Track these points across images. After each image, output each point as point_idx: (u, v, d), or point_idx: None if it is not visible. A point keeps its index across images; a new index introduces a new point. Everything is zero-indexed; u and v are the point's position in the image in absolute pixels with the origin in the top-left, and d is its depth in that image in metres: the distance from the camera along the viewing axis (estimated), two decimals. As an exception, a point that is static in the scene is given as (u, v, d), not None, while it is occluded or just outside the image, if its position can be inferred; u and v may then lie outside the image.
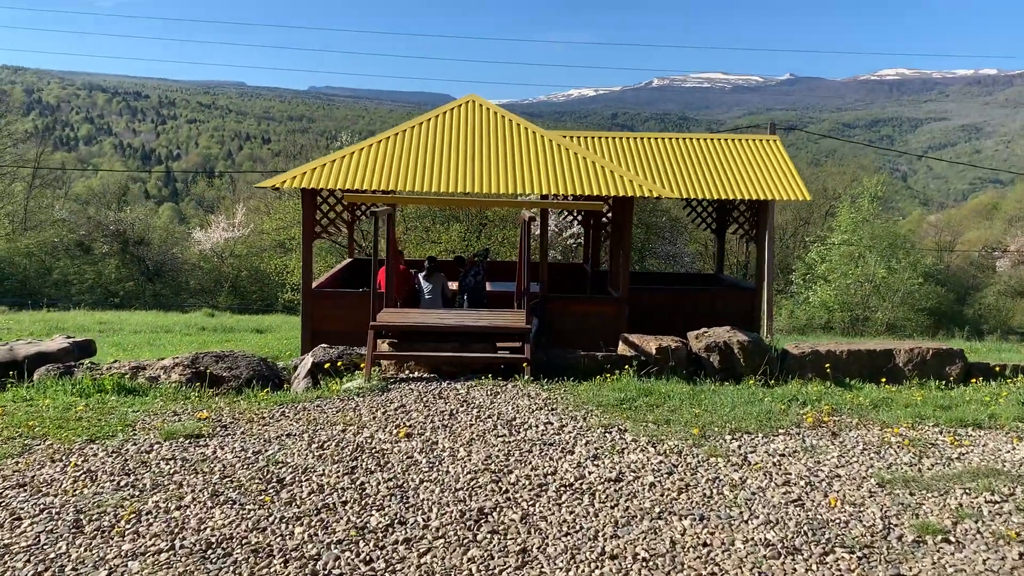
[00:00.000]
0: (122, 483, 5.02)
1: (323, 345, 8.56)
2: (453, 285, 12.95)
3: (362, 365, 7.94)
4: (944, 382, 8.10)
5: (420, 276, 12.50)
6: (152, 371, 7.84)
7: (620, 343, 8.82)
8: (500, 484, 4.92)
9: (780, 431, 6.12)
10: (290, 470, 5.20)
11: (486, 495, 4.75)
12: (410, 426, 6.17)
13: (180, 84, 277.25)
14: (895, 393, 7.50)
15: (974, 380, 8.17)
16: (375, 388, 7.38)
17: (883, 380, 8.11)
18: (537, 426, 6.19)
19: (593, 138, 14.63)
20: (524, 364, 7.87)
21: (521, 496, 4.74)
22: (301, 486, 4.93)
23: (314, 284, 12.52)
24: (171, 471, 5.23)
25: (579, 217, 16.69)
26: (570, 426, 6.18)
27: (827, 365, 8.33)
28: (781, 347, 8.86)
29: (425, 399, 7.02)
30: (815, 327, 36.43)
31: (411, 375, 8.03)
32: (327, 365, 7.95)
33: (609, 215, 12.77)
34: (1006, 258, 55.95)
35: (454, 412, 6.59)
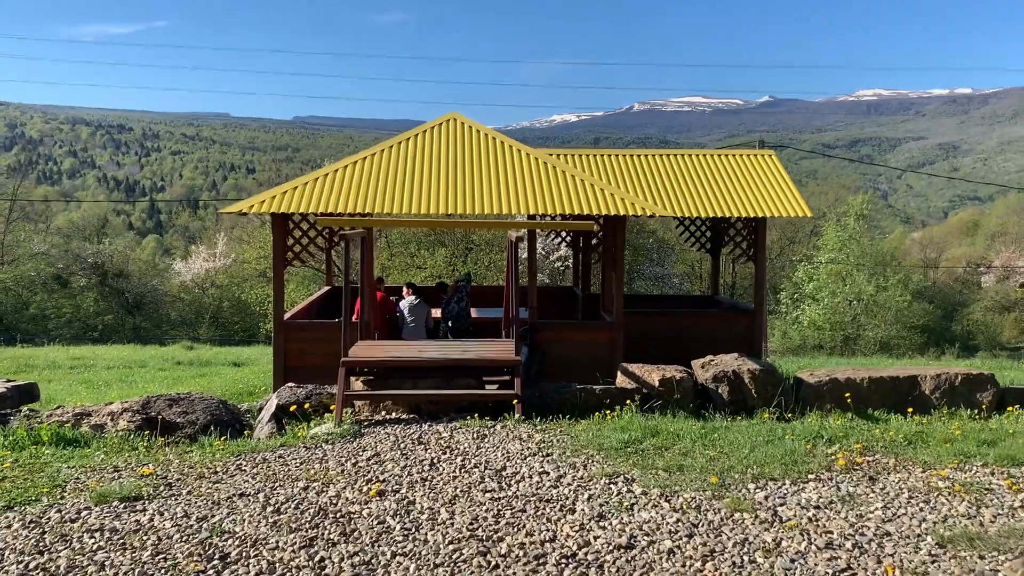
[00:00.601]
0: (31, 565, 4.15)
1: (290, 384, 7.71)
2: (437, 313, 12.18)
3: (333, 407, 7.09)
4: (976, 411, 7.37)
5: (401, 304, 11.73)
6: (98, 418, 6.96)
7: (619, 374, 8.04)
8: (489, 556, 4.09)
9: (810, 476, 5.33)
10: (237, 542, 4.35)
11: (472, 572, 3.92)
12: (383, 481, 5.33)
13: (164, 116, 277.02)
14: (927, 426, 6.75)
15: (1010, 408, 7.45)
16: (346, 433, 6.54)
17: (910, 410, 7.36)
18: (531, 477, 5.37)
19: (580, 156, 13.97)
20: (515, 401, 7.06)
21: (514, 572, 3.92)
22: (248, 564, 4.08)
23: (288, 315, 11.69)
24: (94, 547, 4.36)
25: (568, 238, 15.99)
26: (569, 476, 5.37)
27: (847, 394, 7.58)
28: (794, 375, 8.12)
29: (403, 445, 6.19)
30: (808, 347, 35.83)
31: (388, 416, 7.19)
32: (293, 407, 7.09)
33: (600, 235, 12.05)
34: (991, 274, 56.01)
35: (435, 461, 5.76)
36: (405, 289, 11.79)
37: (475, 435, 6.43)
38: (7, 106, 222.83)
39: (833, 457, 5.74)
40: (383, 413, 7.22)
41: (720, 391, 7.57)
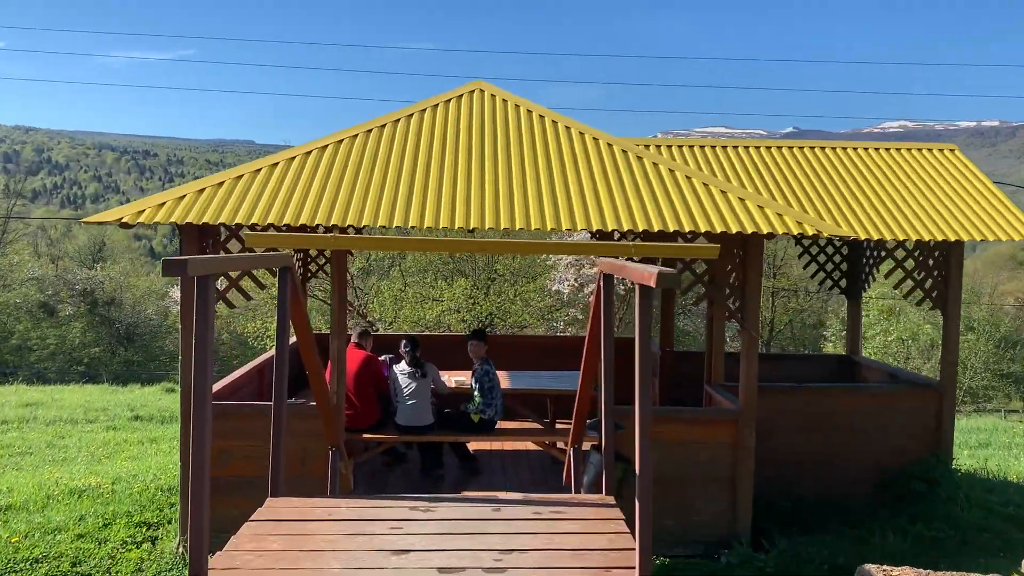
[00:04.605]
0: None
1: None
2: (449, 378, 7.83)
3: None
4: None
5: (395, 369, 7.38)
6: None
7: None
8: None
9: None
10: None
11: None
12: None
13: (189, 142, 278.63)
14: None
15: None
16: None
17: None
18: None
19: (657, 148, 9.53)
20: None
21: None
22: None
23: (222, 383, 7.29)
24: None
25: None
26: None
27: None
28: None
29: None
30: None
31: None
32: None
33: (714, 264, 7.51)
34: (1043, 308, 51.61)
35: None
36: (404, 346, 7.40)
37: None
38: (36, 131, 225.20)
39: None
40: None
41: None
